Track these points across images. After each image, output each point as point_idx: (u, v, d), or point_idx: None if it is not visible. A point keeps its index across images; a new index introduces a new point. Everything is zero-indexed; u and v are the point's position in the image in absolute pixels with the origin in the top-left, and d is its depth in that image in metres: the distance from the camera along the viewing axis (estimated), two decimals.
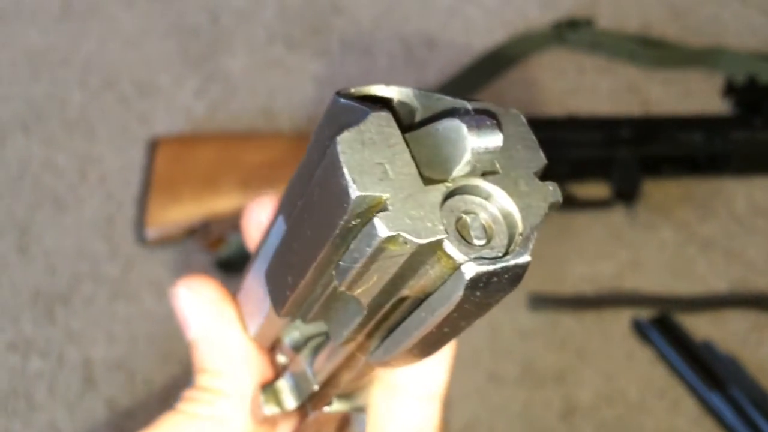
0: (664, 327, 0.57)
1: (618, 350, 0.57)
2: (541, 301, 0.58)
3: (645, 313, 0.58)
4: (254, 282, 0.24)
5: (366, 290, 0.17)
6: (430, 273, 0.17)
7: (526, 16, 0.80)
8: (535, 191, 0.17)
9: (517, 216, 0.17)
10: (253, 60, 0.77)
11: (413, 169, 0.16)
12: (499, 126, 0.16)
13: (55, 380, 0.57)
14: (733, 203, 0.65)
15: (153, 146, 0.66)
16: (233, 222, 0.61)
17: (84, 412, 0.55)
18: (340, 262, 0.17)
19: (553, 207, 0.17)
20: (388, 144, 0.16)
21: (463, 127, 0.16)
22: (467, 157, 0.16)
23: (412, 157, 0.16)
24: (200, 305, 0.28)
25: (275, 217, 0.23)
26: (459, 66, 0.75)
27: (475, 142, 0.16)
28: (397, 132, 0.16)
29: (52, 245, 0.64)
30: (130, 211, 0.66)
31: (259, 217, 0.27)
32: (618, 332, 0.58)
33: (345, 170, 0.15)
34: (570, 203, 0.64)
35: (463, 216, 0.16)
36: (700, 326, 0.58)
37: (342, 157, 0.16)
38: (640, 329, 0.58)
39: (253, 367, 0.27)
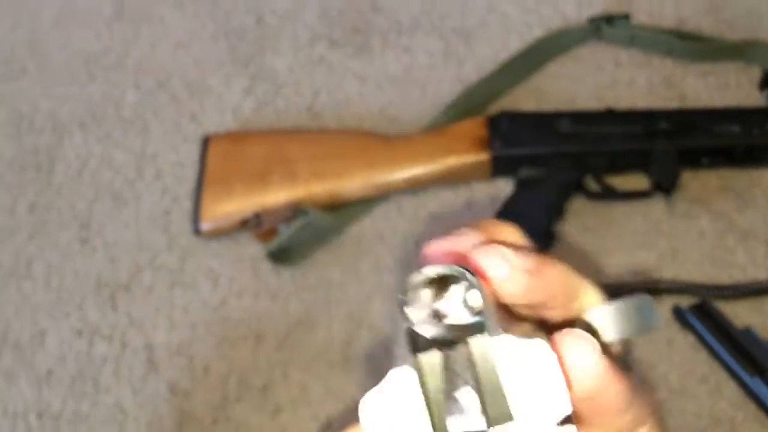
0: (704, 314, 0.58)
1: (659, 337, 0.59)
2: None
3: (685, 301, 0.60)
4: None
5: None
6: None
7: (562, 12, 0.81)
8: None
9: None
10: (297, 59, 0.80)
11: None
12: None
13: (120, 364, 0.60)
14: None
15: (204, 143, 0.70)
16: (284, 214, 0.64)
17: (147, 393, 0.58)
18: None
19: None
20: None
21: None
22: None
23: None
24: None
25: None
26: (497, 62, 0.77)
27: None
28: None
29: (112, 237, 0.67)
30: (185, 205, 0.69)
31: None
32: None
33: None
34: (610, 195, 0.65)
35: None
36: (740, 313, 0.59)
37: None
38: (681, 316, 0.59)
39: None
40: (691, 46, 0.75)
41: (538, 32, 0.79)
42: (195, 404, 0.58)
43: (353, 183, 0.66)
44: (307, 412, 0.57)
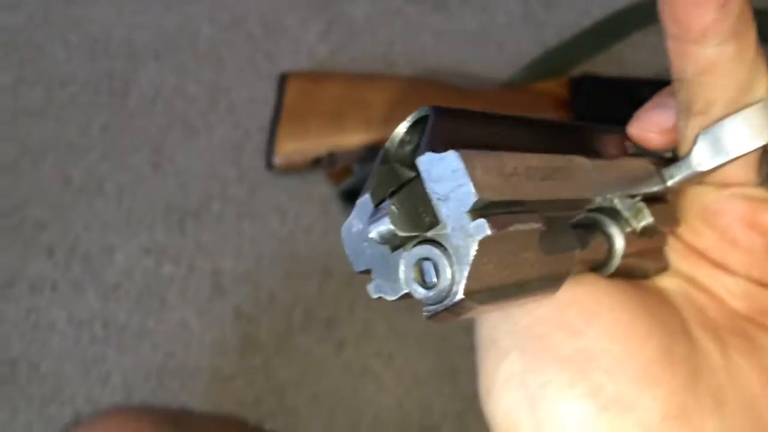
0: None
1: None
2: None
3: None
4: None
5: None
6: None
7: None
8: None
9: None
10: (374, 8, 0.79)
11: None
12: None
13: (186, 285, 0.60)
14: None
15: (283, 79, 0.69)
16: (359, 154, 0.64)
17: (213, 315, 0.59)
18: None
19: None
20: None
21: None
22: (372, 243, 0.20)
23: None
24: None
25: None
26: (578, 28, 0.76)
27: (372, 234, 0.20)
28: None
29: (183, 165, 0.68)
30: (256, 140, 0.69)
31: None
32: None
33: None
34: None
35: (420, 262, 0.20)
36: None
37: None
38: None
39: None
40: None
41: (621, 2, 0.78)
42: (259, 330, 0.58)
43: None
44: (370, 348, 0.57)
